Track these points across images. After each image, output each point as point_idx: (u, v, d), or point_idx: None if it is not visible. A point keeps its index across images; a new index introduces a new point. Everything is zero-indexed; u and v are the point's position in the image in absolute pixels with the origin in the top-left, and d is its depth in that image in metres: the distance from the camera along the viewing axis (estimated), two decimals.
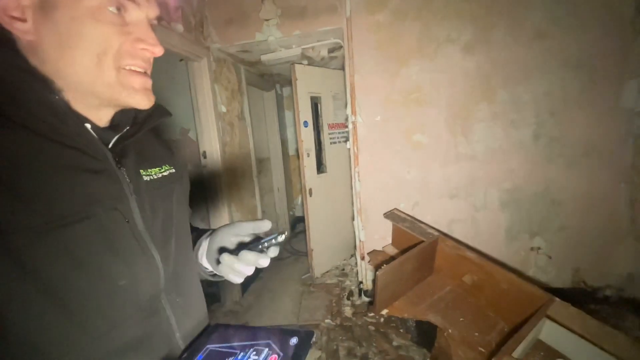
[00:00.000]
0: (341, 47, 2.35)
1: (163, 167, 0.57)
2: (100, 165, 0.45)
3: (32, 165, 0.38)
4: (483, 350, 1.42)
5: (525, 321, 1.30)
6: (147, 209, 0.49)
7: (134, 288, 0.45)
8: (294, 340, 0.47)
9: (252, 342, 0.47)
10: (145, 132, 0.56)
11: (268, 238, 0.53)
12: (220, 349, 0.47)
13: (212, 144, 2.31)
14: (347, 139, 2.36)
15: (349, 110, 2.18)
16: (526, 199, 2.00)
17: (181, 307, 0.53)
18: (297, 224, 4.09)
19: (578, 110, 1.83)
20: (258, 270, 2.91)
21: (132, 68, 0.44)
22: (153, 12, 0.46)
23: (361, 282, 2.34)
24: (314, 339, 0.48)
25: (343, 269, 2.89)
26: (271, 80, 3.52)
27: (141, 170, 0.52)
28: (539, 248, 2.00)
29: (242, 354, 0.45)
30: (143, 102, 0.47)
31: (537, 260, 2.03)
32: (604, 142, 1.84)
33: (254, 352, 0.45)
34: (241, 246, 0.55)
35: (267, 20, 2.11)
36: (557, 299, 1.31)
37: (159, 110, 0.55)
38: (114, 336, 0.42)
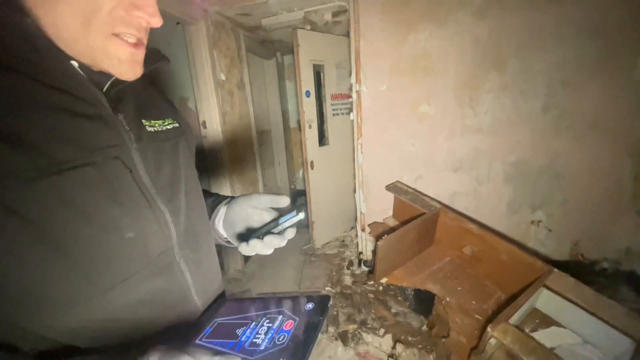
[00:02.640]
0: (346, 10, 2.23)
1: (166, 120, 0.54)
2: (94, 110, 0.41)
3: (17, 106, 0.35)
4: (479, 317, 1.46)
5: (523, 291, 1.33)
6: (151, 160, 0.47)
7: (143, 241, 0.43)
8: (309, 306, 0.45)
9: (265, 312, 0.46)
10: (142, 82, 0.53)
11: (287, 217, 0.53)
12: (230, 321, 0.45)
13: (211, 114, 2.26)
14: (350, 111, 2.30)
15: (353, 79, 2.10)
16: (530, 173, 1.98)
17: (195, 263, 0.52)
18: (298, 197, 4.11)
19: (590, 82, 1.76)
20: None
21: (124, 37, 0.40)
22: None
23: (361, 253, 2.38)
24: (330, 303, 0.47)
25: (343, 241, 2.93)
26: (272, 47, 3.38)
27: (143, 120, 0.49)
28: (539, 221, 2.01)
29: (254, 323, 0.43)
30: (126, 74, 0.43)
31: (537, 233, 2.04)
32: (614, 115, 1.78)
33: (267, 320, 0.43)
34: (260, 223, 0.56)
35: None
36: (555, 269, 1.33)
37: (155, 54, 0.51)
38: (125, 289, 0.41)
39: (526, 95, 1.88)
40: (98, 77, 0.42)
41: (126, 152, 0.43)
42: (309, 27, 2.54)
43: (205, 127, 2.30)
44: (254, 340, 0.40)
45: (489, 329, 1.12)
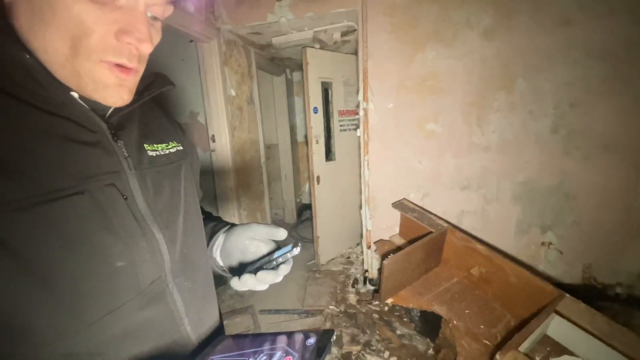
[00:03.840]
0: (354, 30, 2.28)
1: (170, 143, 0.54)
2: (94, 137, 0.41)
3: (11, 133, 0.34)
4: (488, 342, 1.41)
5: (533, 316, 1.29)
6: (150, 185, 0.46)
7: (133, 270, 0.42)
8: (311, 341, 0.43)
9: (263, 348, 0.44)
10: (149, 104, 0.54)
11: (282, 252, 0.52)
12: (226, 358, 0.43)
13: (220, 128, 2.30)
14: (357, 127, 2.32)
15: (360, 97, 2.13)
16: (539, 193, 1.95)
17: (190, 291, 0.50)
18: (304, 211, 4.10)
19: (600, 102, 1.75)
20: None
21: (117, 61, 0.38)
22: None
23: (366, 271, 2.35)
24: (333, 338, 0.44)
25: (349, 257, 2.90)
26: (281, 64, 3.46)
27: (146, 145, 0.49)
28: (550, 243, 1.96)
29: (251, 359, 0.41)
30: (111, 99, 0.40)
31: (547, 255, 1.99)
32: (624, 136, 1.76)
33: (265, 357, 0.41)
34: (256, 255, 0.55)
35: (279, 0, 2.05)
36: (567, 294, 1.29)
37: (160, 80, 0.52)
38: (112, 321, 0.40)
39: (535, 115, 1.88)
40: (99, 105, 0.41)
41: (123, 179, 0.43)
42: (318, 45, 2.60)
43: (214, 141, 2.34)
44: None
45: (497, 357, 1.08)
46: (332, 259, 2.87)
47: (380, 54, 2.02)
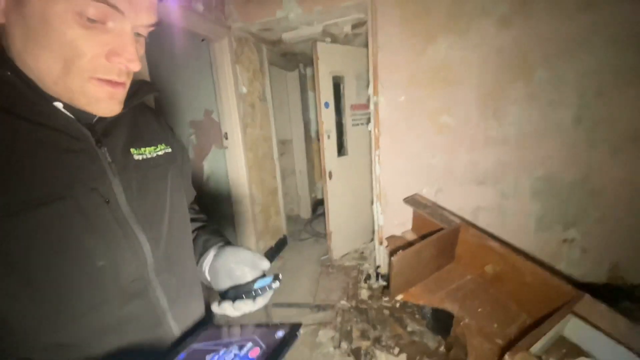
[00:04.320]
0: (365, 22, 2.24)
1: (158, 146, 0.56)
2: (78, 145, 0.43)
3: (4, 145, 0.37)
4: (500, 342, 1.37)
5: (549, 316, 1.23)
6: (135, 188, 0.48)
7: (114, 269, 0.44)
8: (279, 333, 0.46)
9: (237, 339, 0.47)
10: (139, 109, 0.56)
11: (262, 283, 0.55)
12: (204, 347, 0.46)
13: (233, 125, 2.34)
14: (369, 121, 2.28)
15: (370, 90, 2.10)
16: (561, 188, 1.85)
17: (175, 288, 0.53)
18: (319, 206, 4.11)
19: (627, 91, 1.63)
20: (278, 250, 2.97)
21: (107, 77, 0.42)
22: (145, 20, 0.42)
23: (379, 267, 2.33)
24: (300, 331, 0.47)
25: (362, 253, 2.89)
26: (294, 60, 3.46)
27: (132, 149, 0.51)
28: (572, 240, 1.87)
29: (223, 350, 0.44)
30: (103, 111, 0.44)
31: (569, 253, 1.90)
32: None
33: (237, 348, 0.44)
34: (241, 279, 0.58)
35: None
36: (587, 294, 1.23)
37: (145, 87, 0.54)
38: (94, 318, 0.42)
39: (555, 105, 1.78)
40: (85, 113, 0.44)
41: (106, 184, 0.45)
42: (329, 39, 2.57)
43: (226, 139, 2.39)
44: None
45: (507, 357, 1.04)
46: (346, 254, 2.87)
47: (390, 46, 1.98)
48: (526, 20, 1.72)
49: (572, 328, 1.20)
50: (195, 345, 0.47)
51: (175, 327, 0.53)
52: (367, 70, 2.48)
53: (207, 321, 0.63)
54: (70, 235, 0.41)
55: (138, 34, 0.44)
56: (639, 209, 1.72)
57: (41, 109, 0.41)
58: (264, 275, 0.59)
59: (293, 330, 0.46)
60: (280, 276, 0.56)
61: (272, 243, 2.91)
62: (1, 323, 0.37)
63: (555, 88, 1.75)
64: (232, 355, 0.42)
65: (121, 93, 0.45)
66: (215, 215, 2.70)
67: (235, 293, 0.57)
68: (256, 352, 0.42)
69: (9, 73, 0.39)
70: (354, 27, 2.38)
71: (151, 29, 0.44)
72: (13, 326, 0.38)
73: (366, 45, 2.42)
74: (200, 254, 0.65)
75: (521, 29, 1.74)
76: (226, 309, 0.54)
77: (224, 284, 0.59)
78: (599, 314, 1.17)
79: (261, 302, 0.54)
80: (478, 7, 1.78)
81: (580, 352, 1.17)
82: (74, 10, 0.36)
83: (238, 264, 0.59)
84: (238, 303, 0.53)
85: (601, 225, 1.79)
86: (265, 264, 0.59)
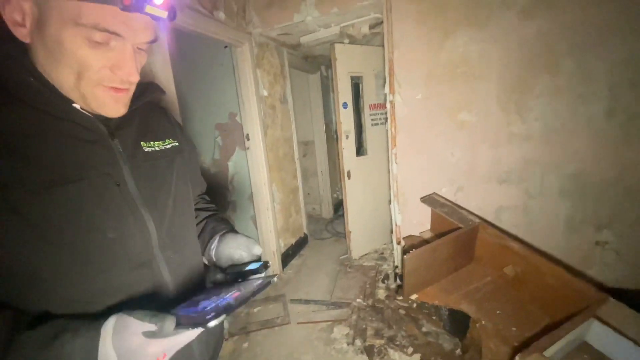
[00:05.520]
0: (383, 22, 2.24)
1: (167, 140, 0.65)
2: (94, 137, 0.52)
3: (33, 133, 0.46)
4: (518, 346, 1.31)
5: (570, 320, 1.17)
6: (142, 175, 0.57)
7: (123, 241, 0.53)
8: (257, 282, 0.56)
9: (228, 290, 0.55)
10: (150, 108, 0.65)
11: (253, 266, 0.66)
12: (200, 298, 0.54)
13: (254, 127, 2.43)
14: (387, 120, 2.27)
15: (387, 89, 2.09)
16: (593, 186, 1.73)
17: (177, 264, 0.61)
18: (340, 207, 4.11)
19: None
20: (298, 248, 3.03)
21: (112, 85, 0.50)
22: (143, 39, 0.50)
23: (397, 267, 2.30)
24: (274, 280, 0.58)
25: (382, 253, 2.86)
26: (315, 62, 3.52)
27: (142, 142, 0.59)
28: (605, 242, 1.73)
29: (214, 297, 0.52)
30: (111, 113, 0.53)
31: (603, 257, 1.76)
32: None
33: (223, 294, 0.53)
34: (239, 262, 0.69)
35: None
36: (611, 298, 1.14)
37: (151, 88, 0.62)
38: (105, 278, 0.51)
39: (585, 98, 1.67)
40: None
41: (117, 170, 0.53)
42: (347, 40, 2.60)
43: (248, 140, 2.49)
44: (206, 306, 0.49)
45: (517, 359, 1.01)
46: (365, 255, 2.86)
47: (406, 43, 1.96)
48: (550, 9, 1.64)
49: (596, 333, 1.13)
50: (197, 297, 0.55)
51: (175, 297, 0.60)
52: (384, 69, 2.47)
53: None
54: (85, 211, 0.49)
55: (139, 49, 0.52)
56: None
57: (62, 107, 0.50)
58: (258, 260, 0.68)
59: (268, 279, 0.57)
60: (269, 264, 0.67)
61: (292, 241, 2.97)
62: (31, 275, 0.46)
63: (584, 80, 1.65)
64: (218, 299, 0.51)
65: (125, 97, 0.54)
66: (239, 212, 2.82)
67: (232, 271, 0.67)
68: (236, 295, 0.51)
69: (32, 79, 0.48)
70: (372, 27, 2.39)
71: (150, 44, 0.53)
72: (39, 279, 0.46)
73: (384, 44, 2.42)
74: (208, 239, 0.75)
75: (545, 19, 1.66)
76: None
77: (225, 264, 0.70)
78: (625, 319, 1.09)
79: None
80: None
81: (603, 358, 1.09)
82: (82, 35, 0.44)
83: (236, 248, 0.69)
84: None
85: (638, 227, 1.65)
86: (257, 249, 0.69)
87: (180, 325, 0.43)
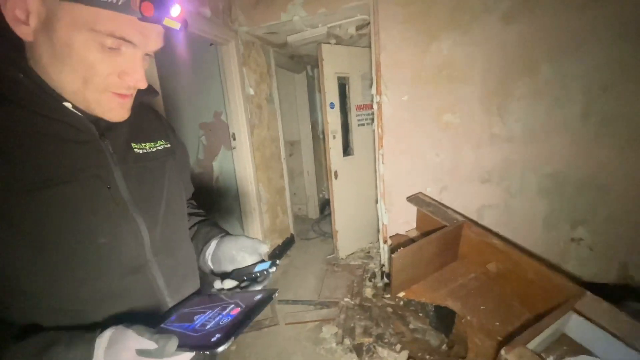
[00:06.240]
0: (369, 23, 2.26)
1: (158, 141, 0.62)
2: (84, 137, 0.50)
3: (20, 133, 0.44)
4: (502, 339, 1.36)
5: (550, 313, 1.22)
6: (134, 177, 0.54)
7: (114, 247, 0.50)
8: (258, 297, 0.51)
9: (222, 302, 0.51)
10: (142, 108, 0.62)
11: (261, 267, 0.61)
12: (192, 310, 0.51)
13: (240, 126, 2.40)
14: (374, 121, 2.30)
15: (373, 90, 2.12)
16: (569, 185, 1.82)
17: (170, 268, 0.58)
18: (327, 206, 4.13)
19: (636, 85, 1.59)
20: (285, 249, 3.01)
21: (119, 92, 0.49)
22: (154, 47, 0.50)
23: (383, 265, 2.33)
24: (275, 295, 0.53)
25: (368, 252, 2.90)
26: (301, 62, 3.51)
27: (134, 144, 0.57)
28: (580, 239, 1.82)
29: (209, 311, 0.49)
30: (114, 117, 0.52)
31: (578, 252, 1.85)
32: None
33: (220, 308, 0.49)
34: (242, 264, 0.65)
35: None
36: (588, 292, 1.21)
37: (143, 90, 0.59)
38: (95, 287, 0.48)
39: (562, 101, 1.75)
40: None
41: (108, 172, 0.51)
42: (334, 41, 2.61)
43: (234, 139, 2.45)
44: (205, 323, 0.46)
45: (502, 352, 1.04)
46: (352, 254, 2.89)
47: (393, 45, 1.99)
48: (530, 15, 1.71)
49: (574, 326, 1.19)
50: (185, 310, 0.53)
51: (170, 302, 0.58)
52: (371, 70, 2.50)
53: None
54: (75, 214, 0.46)
55: (146, 55, 0.51)
56: None
57: (51, 106, 0.47)
58: (263, 260, 0.65)
59: (269, 294, 0.52)
60: (278, 262, 0.62)
61: (279, 241, 2.95)
62: (15, 286, 0.43)
63: (561, 84, 1.73)
64: (216, 315, 0.48)
65: (129, 102, 0.53)
66: (224, 213, 2.77)
67: (238, 274, 0.63)
68: (236, 311, 0.48)
69: (21, 75, 0.45)
70: (359, 28, 2.41)
71: (157, 51, 0.52)
72: (25, 289, 0.44)
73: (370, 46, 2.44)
74: (202, 245, 0.72)
75: (525, 24, 1.73)
76: (228, 284, 0.61)
77: (226, 269, 0.66)
78: (601, 311, 1.15)
79: (263, 283, 0.61)
80: (481, 3, 1.78)
81: (581, 349, 1.15)
82: (95, 40, 0.43)
83: (239, 250, 0.66)
84: (244, 285, 0.60)
85: (610, 223, 1.74)
86: (264, 248, 0.66)
87: (181, 347, 0.40)
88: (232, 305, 0.49)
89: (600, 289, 1.28)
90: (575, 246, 1.85)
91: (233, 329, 0.42)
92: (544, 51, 1.73)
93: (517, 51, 1.78)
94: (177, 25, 0.48)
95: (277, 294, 0.53)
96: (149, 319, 0.52)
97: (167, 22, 0.46)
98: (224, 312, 0.48)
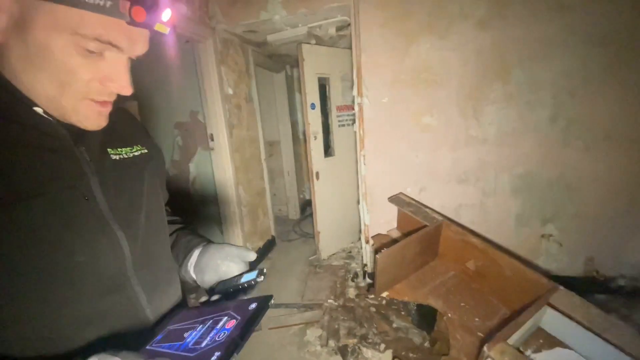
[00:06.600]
0: (350, 24, 2.27)
1: (134, 147, 0.58)
2: (57, 144, 0.45)
3: None
4: (482, 335, 1.41)
5: (527, 309, 1.28)
6: (112, 187, 0.50)
7: (94, 265, 0.46)
8: (252, 305, 0.47)
9: (213, 315, 0.48)
10: (116, 111, 0.57)
11: (248, 277, 0.57)
12: (181, 327, 0.48)
13: (218, 127, 2.33)
14: (355, 122, 2.31)
15: (355, 92, 2.13)
16: (539, 185, 1.92)
17: (152, 283, 0.54)
18: (307, 207, 4.12)
19: (601, 90, 1.70)
20: (266, 251, 2.96)
21: (100, 99, 0.45)
22: (140, 51, 0.46)
23: (365, 265, 2.35)
24: (271, 302, 0.49)
25: (350, 252, 2.91)
26: (280, 61, 3.47)
27: (109, 149, 0.52)
28: (550, 235, 1.93)
29: (200, 326, 0.46)
30: (91, 126, 0.47)
31: (548, 248, 1.96)
32: (627, 125, 1.71)
33: (213, 322, 0.46)
34: (227, 274, 0.61)
35: None
36: (561, 287, 1.27)
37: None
38: (75, 308, 0.44)
39: (532, 105, 1.84)
40: None
41: (85, 182, 0.46)
42: (314, 41, 2.59)
43: (212, 140, 2.37)
44: (198, 340, 0.42)
45: (485, 349, 1.08)
46: (334, 254, 2.89)
47: (373, 48, 2.01)
48: (503, 22, 1.78)
49: (549, 319, 1.25)
50: (172, 326, 0.48)
51: (154, 321, 0.54)
52: (352, 72, 2.51)
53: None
54: (50, 231, 0.42)
55: (130, 58, 0.47)
56: (612, 204, 1.80)
57: (19, 111, 0.42)
58: (249, 270, 0.61)
59: (265, 301, 0.48)
60: (265, 270, 0.58)
61: (260, 244, 2.90)
62: None
63: (531, 88, 1.82)
64: (209, 329, 0.44)
65: (108, 110, 0.48)
66: (202, 217, 2.68)
67: (223, 287, 0.58)
68: (232, 323, 0.44)
69: None
70: (339, 29, 2.41)
71: (142, 56, 0.47)
72: None
73: (351, 47, 2.45)
74: (184, 255, 0.67)
75: (498, 31, 1.80)
76: (214, 299, 0.57)
77: (210, 279, 0.62)
78: (573, 305, 1.21)
79: (249, 295, 0.57)
80: (457, 10, 1.84)
81: (556, 342, 1.21)
82: (78, 44, 0.39)
83: (224, 259, 0.61)
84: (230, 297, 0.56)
85: (577, 220, 1.86)
86: (252, 255, 0.62)
87: None
88: (226, 318, 0.46)
89: (568, 283, 1.36)
90: (545, 242, 1.95)
91: (233, 345, 0.39)
92: (515, 57, 1.81)
93: (491, 57, 1.86)
94: (166, 30, 0.45)
95: (272, 301, 0.49)
96: (133, 340, 0.48)
97: (157, 27, 0.43)
98: (218, 326, 0.44)
